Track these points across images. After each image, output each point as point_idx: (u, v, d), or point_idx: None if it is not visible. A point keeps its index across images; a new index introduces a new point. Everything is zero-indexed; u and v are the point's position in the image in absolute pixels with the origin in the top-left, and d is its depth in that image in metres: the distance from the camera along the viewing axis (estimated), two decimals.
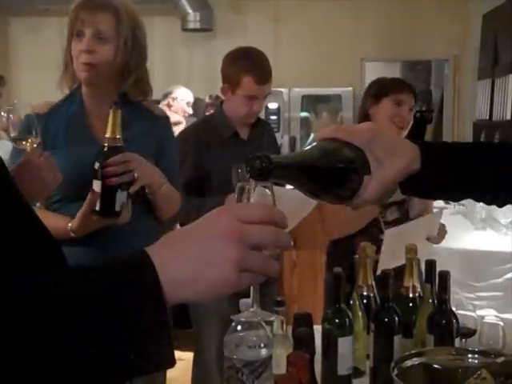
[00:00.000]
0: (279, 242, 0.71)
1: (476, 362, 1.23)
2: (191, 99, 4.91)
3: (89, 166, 1.65)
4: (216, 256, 0.65)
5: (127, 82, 1.86)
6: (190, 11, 6.33)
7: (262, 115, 5.90)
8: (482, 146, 1.09)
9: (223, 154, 2.45)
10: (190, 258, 0.66)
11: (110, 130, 1.63)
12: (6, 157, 1.49)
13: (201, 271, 0.65)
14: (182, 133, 2.71)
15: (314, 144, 0.89)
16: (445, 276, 1.49)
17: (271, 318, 0.80)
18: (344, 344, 1.46)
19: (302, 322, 1.18)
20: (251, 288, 0.92)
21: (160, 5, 6.43)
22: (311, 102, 6.19)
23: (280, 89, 6.07)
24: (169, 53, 6.68)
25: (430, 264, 1.60)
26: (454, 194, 1.02)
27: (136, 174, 1.69)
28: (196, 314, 2.56)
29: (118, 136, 1.64)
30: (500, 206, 1.02)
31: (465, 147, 1.01)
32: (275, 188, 2.73)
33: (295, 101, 6.10)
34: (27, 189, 1.36)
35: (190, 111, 4.87)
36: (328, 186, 0.87)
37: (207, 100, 4.98)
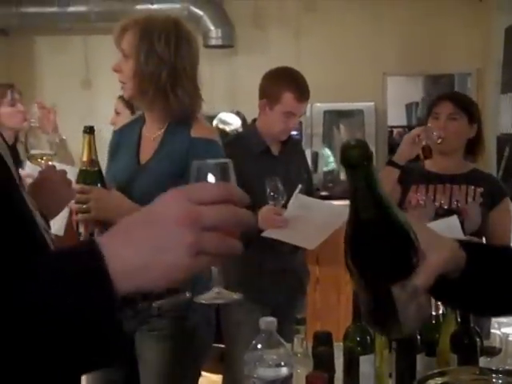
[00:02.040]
0: (238, 221, 0.70)
1: (500, 381, 1.21)
2: None
3: (122, 183, 1.71)
4: (169, 241, 0.64)
5: (172, 101, 1.85)
6: (212, 28, 6.37)
7: None
8: None
9: (255, 169, 2.50)
10: (142, 245, 0.64)
11: (86, 154, 1.70)
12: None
13: (153, 257, 0.64)
14: None
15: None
16: None
17: (235, 297, 0.80)
18: (366, 362, 1.45)
19: (322, 341, 1.17)
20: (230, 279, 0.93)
21: None
22: (333, 117, 6.17)
23: None
24: None
25: None
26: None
27: (90, 205, 1.70)
28: (226, 329, 2.58)
29: (93, 158, 1.69)
30: None
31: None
32: (309, 199, 2.75)
33: (317, 116, 6.09)
34: (44, 204, 1.40)
35: None
36: (387, 251, 0.80)
37: None
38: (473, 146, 2.48)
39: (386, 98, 6.32)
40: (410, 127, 5.94)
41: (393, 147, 5.55)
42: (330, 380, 1.03)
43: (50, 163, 1.61)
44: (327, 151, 6.11)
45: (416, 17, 6.37)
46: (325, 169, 5.97)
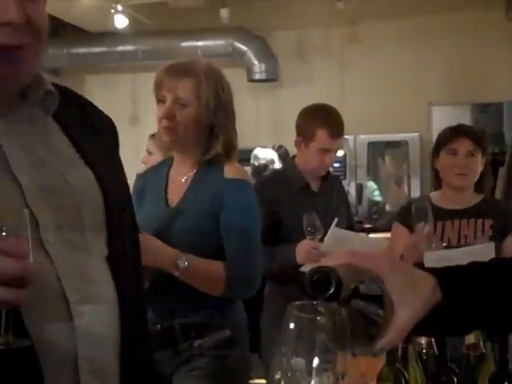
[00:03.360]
0: (17, 273, 0.79)
1: None
2: None
3: (155, 227, 1.72)
4: None
5: (215, 144, 1.87)
6: (256, 62, 6.46)
7: None
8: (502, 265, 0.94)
9: (294, 205, 2.53)
10: None
11: None
12: None
13: None
14: (256, 184, 2.81)
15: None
16: (505, 335, 1.43)
17: (24, 344, 0.86)
18: None
19: None
20: None
21: (226, 57, 6.59)
22: (377, 149, 6.15)
23: (346, 136, 6.05)
24: (235, 103, 6.78)
25: None
26: (483, 324, 0.88)
27: None
28: (265, 343, 2.58)
29: None
30: None
31: (485, 268, 0.88)
32: (345, 232, 2.70)
33: (361, 147, 6.08)
34: None
35: None
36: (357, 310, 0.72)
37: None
38: (482, 178, 2.45)
39: (432, 128, 6.26)
40: None
41: (436, 179, 5.49)
42: None
43: None
44: (372, 184, 6.08)
45: (461, 44, 6.32)
46: (369, 200, 5.94)
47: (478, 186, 2.46)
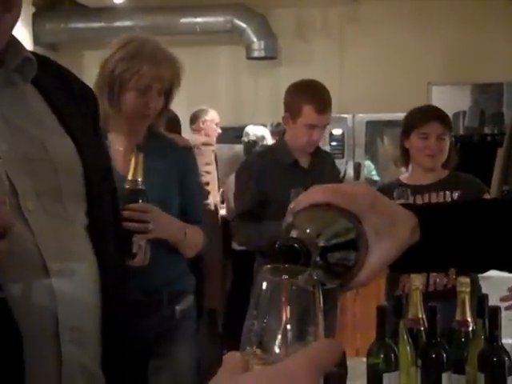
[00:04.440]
0: None
1: None
2: (218, 119, 5.05)
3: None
4: None
5: (161, 120, 1.98)
6: (255, 40, 6.42)
7: (326, 141, 5.93)
8: (484, 203, 0.94)
9: (283, 182, 2.53)
10: None
11: (132, 172, 1.68)
12: None
13: None
14: (244, 161, 2.82)
15: (304, 210, 0.73)
16: (495, 311, 1.43)
17: None
18: (389, 380, 1.42)
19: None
20: None
21: (226, 34, 6.55)
22: (376, 128, 6.13)
23: (344, 115, 6.04)
24: (234, 81, 6.78)
25: (482, 299, 1.54)
26: (458, 264, 0.88)
27: (151, 226, 1.72)
28: None
29: (139, 179, 1.68)
30: None
31: (466, 207, 0.88)
32: None
33: (359, 127, 6.06)
34: None
35: (219, 130, 5.00)
36: (326, 263, 0.70)
37: (268, 128, 5.02)
38: (448, 156, 2.55)
39: None
40: (456, 137, 5.84)
41: (404, 158, 5.48)
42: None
43: None
44: (369, 163, 6.07)
45: (462, 24, 6.28)
46: (367, 180, 5.93)
47: (444, 164, 2.58)
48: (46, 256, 0.94)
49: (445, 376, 1.46)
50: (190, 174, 2.02)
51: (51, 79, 1.08)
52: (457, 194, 2.50)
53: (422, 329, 1.61)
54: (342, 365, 1.18)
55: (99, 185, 1.07)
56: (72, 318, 0.96)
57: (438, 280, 2.46)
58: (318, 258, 0.65)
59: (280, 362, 0.52)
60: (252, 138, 4.95)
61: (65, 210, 1.00)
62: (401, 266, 0.79)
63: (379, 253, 0.75)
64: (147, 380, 1.90)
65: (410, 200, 2.44)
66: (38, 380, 0.92)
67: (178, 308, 1.97)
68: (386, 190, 2.50)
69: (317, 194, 0.75)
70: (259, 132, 4.83)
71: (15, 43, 1.01)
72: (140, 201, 1.72)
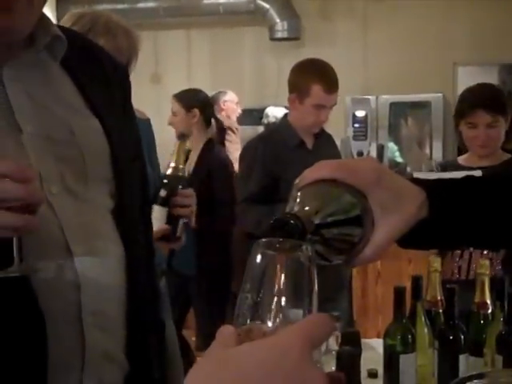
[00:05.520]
0: (20, 196, 0.77)
1: None
2: (237, 99, 5.04)
3: None
4: None
5: None
6: (278, 21, 6.37)
7: (349, 123, 5.89)
8: (498, 178, 0.90)
9: (290, 163, 2.50)
10: None
11: (175, 159, 1.69)
12: None
13: None
14: (249, 143, 2.79)
15: (308, 185, 0.72)
16: None
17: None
18: (406, 361, 1.43)
19: (349, 341, 1.16)
20: None
21: (248, 15, 6.51)
22: (400, 110, 6.06)
23: (367, 96, 5.99)
24: (258, 62, 6.74)
25: (501, 281, 1.54)
26: (469, 241, 0.86)
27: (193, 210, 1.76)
28: None
29: (181, 166, 1.70)
30: None
31: (476, 182, 0.85)
32: None
33: (383, 108, 6.00)
34: None
35: (239, 110, 4.98)
36: (326, 239, 0.69)
37: None
38: (507, 135, 2.44)
39: (457, 90, 6.14)
40: None
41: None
42: (351, 381, 1.02)
43: None
44: (392, 145, 6.02)
45: (488, 2, 6.16)
46: (390, 161, 5.89)
47: (504, 145, 2.47)
48: (69, 239, 0.94)
49: (462, 358, 1.46)
50: (153, 147, 2.08)
51: (80, 58, 1.06)
52: None
53: (441, 310, 1.62)
54: (356, 343, 1.19)
55: (127, 168, 1.06)
56: (95, 303, 0.96)
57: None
58: (313, 235, 0.65)
59: (274, 334, 0.52)
60: (272, 119, 4.94)
61: (90, 192, 0.99)
62: (409, 242, 0.78)
63: (386, 228, 0.73)
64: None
65: None
66: (61, 365, 0.91)
67: (162, 285, 2.05)
68: (442, 168, 2.51)
69: (322, 169, 0.73)
70: (279, 113, 4.81)
71: (45, 20, 0.99)
72: (180, 187, 1.74)
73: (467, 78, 6.24)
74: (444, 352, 1.46)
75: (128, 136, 1.11)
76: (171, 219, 1.67)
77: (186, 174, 1.74)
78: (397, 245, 0.78)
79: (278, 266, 0.54)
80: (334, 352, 1.28)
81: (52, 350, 0.90)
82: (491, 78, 6.74)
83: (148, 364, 1.08)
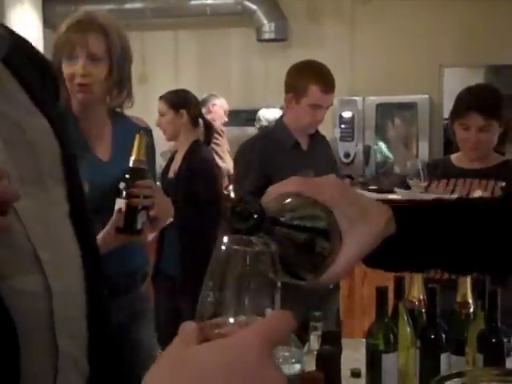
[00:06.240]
0: None
1: None
2: (227, 107, 5.06)
3: (92, 182, 1.70)
4: None
5: (121, 97, 1.94)
6: (265, 22, 6.38)
7: (336, 124, 5.91)
8: (467, 204, 0.88)
9: (285, 164, 2.51)
10: None
11: (136, 152, 1.70)
12: None
13: None
14: (244, 144, 2.78)
15: (273, 198, 0.71)
16: (495, 294, 1.44)
17: None
18: (388, 360, 1.43)
19: (330, 340, 1.17)
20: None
21: (236, 16, 6.52)
22: (386, 111, 6.09)
23: (354, 97, 6.02)
24: (245, 63, 6.75)
25: (482, 281, 1.55)
26: (434, 263, 0.84)
27: (156, 200, 1.75)
28: None
29: (142, 158, 1.70)
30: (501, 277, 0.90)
31: (444, 207, 0.84)
32: None
33: (370, 109, 6.03)
34: None
35: (226, 119, 4.99)
36: (292, 254, 0.67)
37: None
38: (501, 140, 2.43)
39: (442, 91, 6.18)
40: None
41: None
42: (330, 381, 1.03)
43: None
44: (382, 144, 6.04)
45: (475, 5, 6.20)
46: (378, 159, 5.92)
47: (498, 148, 2.46)
48: (36, 244, 0.89)
49: (444, 357, 1.47)
50: (153, 155, 2.06)
51: (22, 57, 1.02)
52: (502, 185, 2.37)
53: (423, 310, 1.63)
54: (336, 343, 1.19)
55: (76, 169, 1.03)
56: (66, 309, 0.92)
57: None
58: (278, 237, 0.64)
59: (233, 333, 0.52)
60: (264, 123, 4.95)
61: (49, 195, 0.95)
62: (376, 261, 0.77)
63: (354, 241, 0.72)
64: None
65: (451, 182, 2.42)
66: (33, 376, 0.87)
67: (143, 290, 2.05)
68: (433, 165, 2.53)
69: (287, 184, 0.73)
70: (272, 116, 4.82)
71: None
72: (140, 178, 1.74)
73: (453, 80, 6.29)
74: (426, 351, 1.47)
75: (70, 137, 1.07)
76: (129, 211, 1.67)
77: (146, 166, 1.75)
78: (364, 265, 0.77)
79: (240, 263, 0.53)
80: (315, 352, 1.29)
81: (24, 360, 0.85)
82: (477, 79, 6.78)
83: (108, 368, 1.07)
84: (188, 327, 0.54)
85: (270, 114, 4.98)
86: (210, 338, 0.52)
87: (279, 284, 0.54)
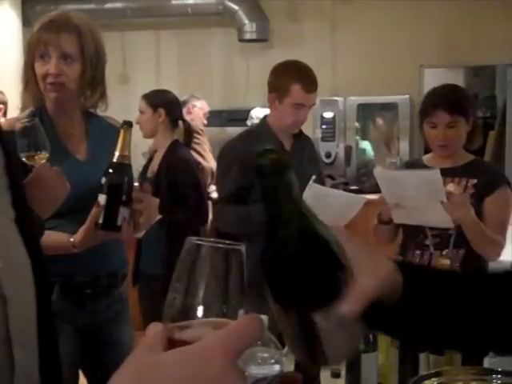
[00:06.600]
0: None
1: (499, 382, 1.19)
2: (207, 110, 5.05)
3: (71, 184, 1.68)
4: None
5: (94, 97, 1.93)
6: (247, 22, 6.38)
7: (317, 124, 5.92)
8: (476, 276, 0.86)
9: None
10: None
11: (120, 148, 1.69)
12: None
13: None
14: (227, 143, 2.78)
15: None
16: None
17: None
18: (367, 360, 1.44)
19: None
20: None
21: (217, 16, 6.51)
22: (368, 111, 6.12)
23: (335, 98, 6.04)
24: (226, 63, 6.74)
25: None
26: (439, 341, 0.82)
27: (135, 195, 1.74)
28: None
29: (126, 154, 1.69)
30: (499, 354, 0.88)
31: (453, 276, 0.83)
32: (324, 188, 2.76)
33: (351, 109, 6.05)
34: (39, 202, 1.42)
35: (205, 121, 4.99)
36: (309, 275, 0.66)
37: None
38: (470, 138, 2.47)
39: (423, 91, 6.22)
40: None
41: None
42: (311, 381, 1.03)
43: (43, 161, 1.60)
44: (365, 143, 6.07)
45: (455, 6, 6.24)
46: (358, 162, 5.94)
47: (467, 146, 2.50)
48: None
49: (423, 356, 1.47)
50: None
51: None
52: (474, 183, 2.41)
53: None
54: None
55: (19, 174, 1.04)
56: (19, 318, 0.91)
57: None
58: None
59: (198, 338, 0.51)
60: (256, 121, 4.93)
61: None
62: (379, 323, 0.75)
63: (366, 276, 0.69)
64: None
65: None
66: None
67: (122, 290, 2.04)
68: (409, 164, 2.63)
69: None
70: (262, 115, 4.81)
71: None
72: (126, 175, 1.73)
73: (433, 80, 6.31)
74: (405, 351, 1.48)
75: (14, 142, 1.08)
76: (109, 206, 1.66)
77: (129, 161, 1.73)
78: (367, 326, 0.74)
79: (208, 265, 0.53)
80: None
81: None
82: (457, 80, 6.83)
83: (58, 378, 1.05)
84: (153, 330, 0.53)
85: (262, 114, 4.98)
86: (176, 341, 0.52)
87: (246, 286, 0.54)
